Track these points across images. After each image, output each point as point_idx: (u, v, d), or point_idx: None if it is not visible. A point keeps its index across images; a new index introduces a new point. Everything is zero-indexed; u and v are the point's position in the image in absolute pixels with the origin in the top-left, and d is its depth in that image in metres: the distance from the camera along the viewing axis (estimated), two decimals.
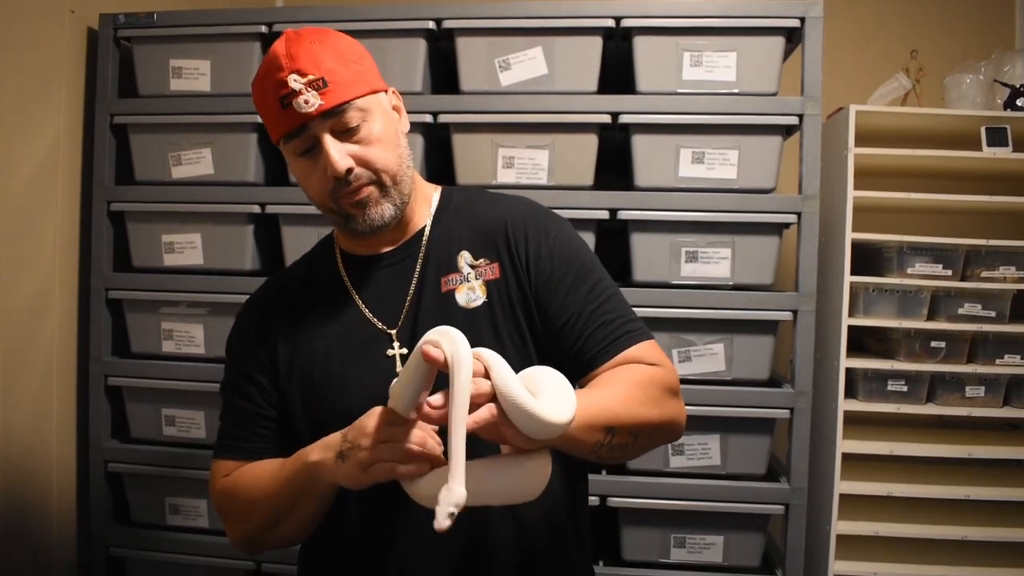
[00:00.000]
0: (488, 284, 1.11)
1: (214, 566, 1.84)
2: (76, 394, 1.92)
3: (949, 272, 2.09)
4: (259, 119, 1.77)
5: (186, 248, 1.85)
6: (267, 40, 1.83)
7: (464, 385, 0.85)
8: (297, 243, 1.81)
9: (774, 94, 1.74)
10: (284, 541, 1.11)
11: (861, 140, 2.05)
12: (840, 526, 2.04)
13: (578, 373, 1.08)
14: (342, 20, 1.79)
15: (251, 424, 1.14)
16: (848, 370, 2.05)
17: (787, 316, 1.72)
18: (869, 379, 2.09)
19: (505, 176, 1.76)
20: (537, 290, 1.10)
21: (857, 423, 2.14)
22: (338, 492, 1.03)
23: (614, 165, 1.86)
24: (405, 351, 1.09)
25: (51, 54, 1.83)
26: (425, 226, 1.16)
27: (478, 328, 1.08)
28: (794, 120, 1.72)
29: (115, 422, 1.91)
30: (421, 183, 1.20)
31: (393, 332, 1.11)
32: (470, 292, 1.11)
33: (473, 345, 0.89)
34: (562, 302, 1.09)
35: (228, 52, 1.84)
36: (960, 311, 2.09)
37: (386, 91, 1.13)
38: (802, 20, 1.72)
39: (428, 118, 1.75)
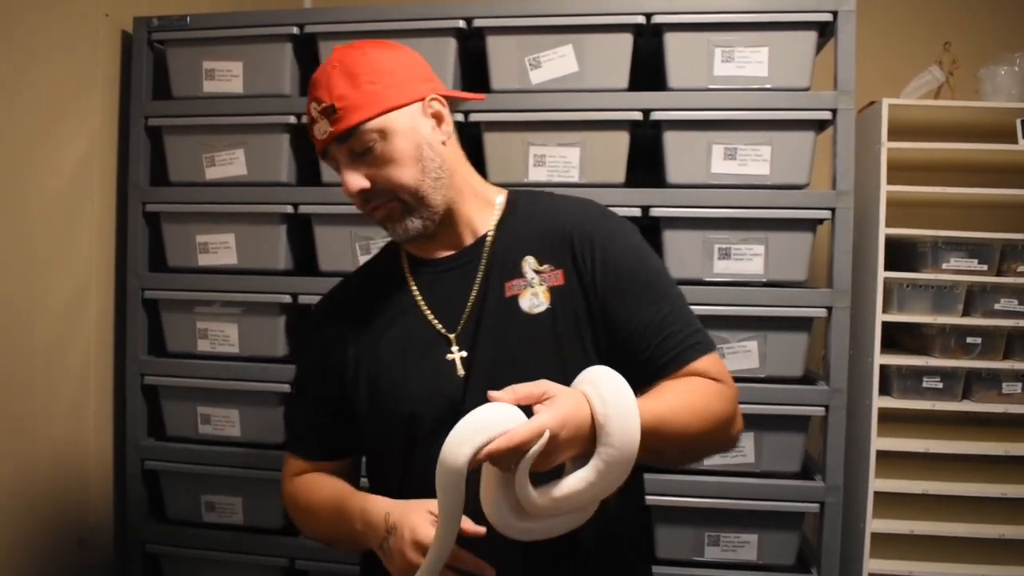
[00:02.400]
0: (552, 290, 1.10)
1: (249, 563, 1.85)
2: (113, 393, 1.94)
3: (984, 267, 2.06)
4: (291, 120, 1.82)
5: (220, 248, 1.87)
6: (298, 41, 1.84)
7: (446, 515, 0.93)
8: (330, 243, 1.82)
9: (807, 89, 1.72)
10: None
11: (894, 134, 2.03)
12: (875, 524, 2.02)
13: (642, 382, 1.04)
14: (372, 20, 1.80)
15: (320, 425, 1.20)
16: (882, 367, 2.04)
17: (821, 313, 1.71)
18: (904, 376, 2.07)
19: (536, 174, 1.76)
20: (603, 298, 1.09)
21: (891, 420, 2.12)
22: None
23: (645, 162, 1.85)
24: (464, 354, 1.10)
25: (86, 57, 1.85)
26: (488, 231, 1.14)
27: (539, 335, 1.08)
28: (827, 115, 1.71)
29: (151, 420, 1.94)
30: (481, 186, 1.18)
31: (453, 336, 1.11)
32: (533, 298, 1.09)
33: (534, 352, 1.07)
34: (629, 312, 1.08)
35: (260, 53, 1.86)
36: (996, 306, 2.06)
37: (418, 100, 1.09)
38: (834, 14, 1.70)
39: (459, 116, 1.75)
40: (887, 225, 2.01)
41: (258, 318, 1.85)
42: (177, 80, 1.91)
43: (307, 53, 1.87)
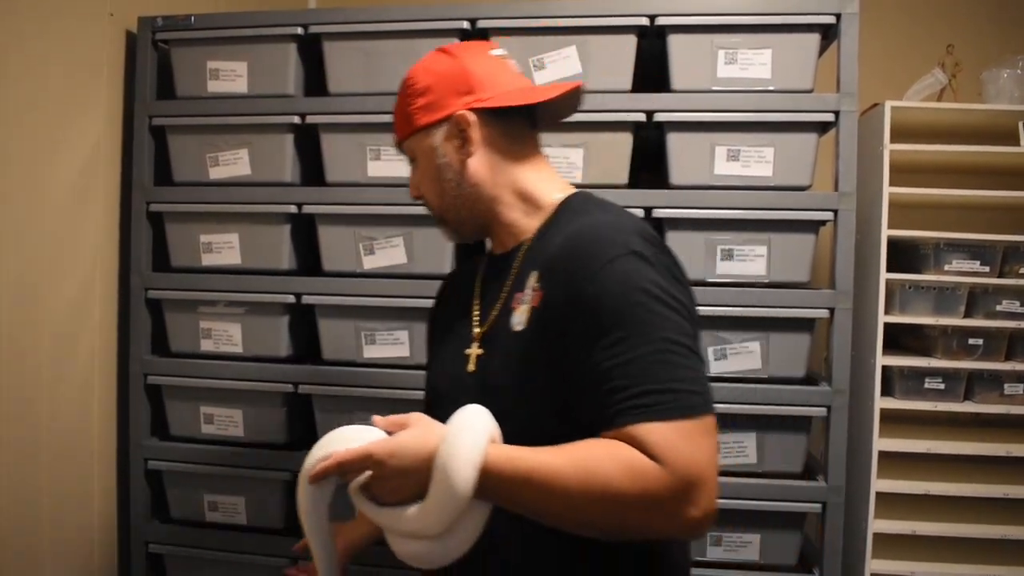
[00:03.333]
0: (532, 311, 1.04)
1: (252, 563, 1.86)
2: (116, 392, 1.95)
3: (987, 269, 2.07)
4: (295, 120, 1.82)
5: (224, 248, 1.87)
6: (302, 41, 1.85)
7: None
8: (333, 243, 1.83)
9: (810, 91, 1.73)
10: None
11: (897, 136, 2.03)
12: (877, 525, 2.03)
13: (594, 432, 0.94)
14: (376, 21, 1.80)
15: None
16: (884, 368, 2.04)
17: (824, 314, 1.71)
18: (906, 377, 2.08)
19: None
20: (561, 331, 0.99)
21: (894, 421, 2.12)
22: None
23: (649, 163, 1.86)
24: (481, 352, 1.11)
25: (91, 57, 1.86)
26: (527, 238, 1.12)
27: (514, 353, 1.05)
28: (830, 117, 1.71)
29: (155, 420, 1.94)
30: (533, 188, 1.13)
31: (478, 332, 1.13)
32: (520, 315, 1.06)
33: (508, 369, 1.04)
34: (575, 351, 0.96)
35: (264, 53, 1.86)
36: (998, 308, 2.07)
37: (445, 119, 1.11)
38: (838, 16, 1.70)
39: None
40: (889, 227, 2.02)
41: (262, 318, 1.85)
42: (181, 80, 1.91)
43: (311, 53, 1.88)
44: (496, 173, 1.12)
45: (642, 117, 1.73)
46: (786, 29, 1.71)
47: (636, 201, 1.72)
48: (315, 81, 1.89)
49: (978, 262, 2.07)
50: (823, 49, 1.78)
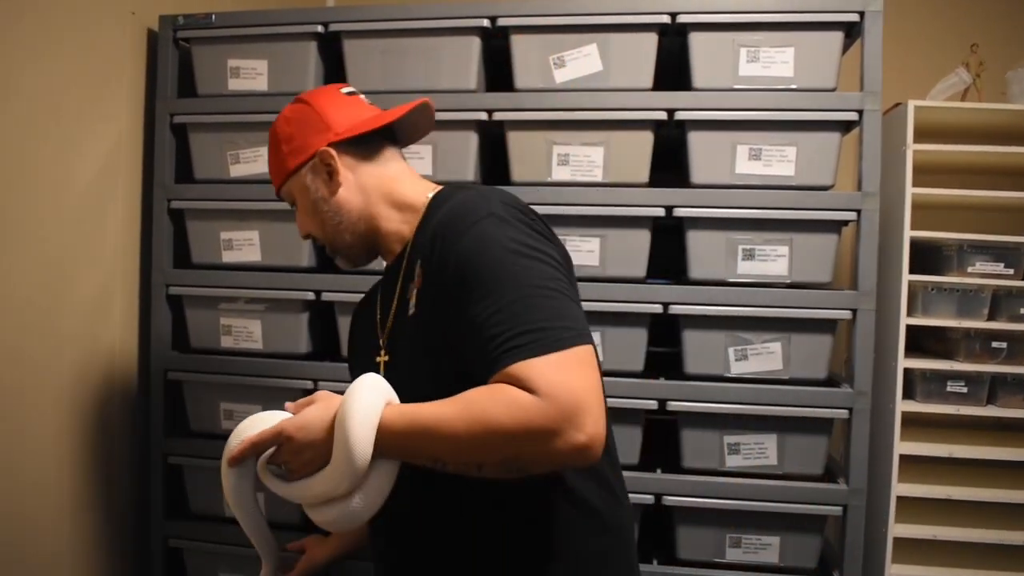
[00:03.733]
0: (418, 293, 1.12)
1: None
2: (137, 389, 1.96)
3: (1010, 271, 2.04)
4: None
5: (244, 245, 1.88)
6: (322, 39, 1.85)
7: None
8: None
9: (833, 90, 1.71)
10: None
11: (920, 136, 2.01)
12: (897, 529, 2.01)
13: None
14: (395, 19, 1.80)
15: None
16: (906, 370, 2.02)
17: (846, 315, 1.70)
18: (928, 380, 2.06)
19: (560, 173, 1.75)
20: (442, 300, 1.06)
21: (915, 424, 2.10)
22: None
23: (669, 162, 1.85)
24: (387, 359, 1.19)
25: (113, 55, 1.87)
26: (409, 239, 1.21)
27: (413, 337, 1.13)
28: (853, 116, 1.69)
29: (175, 416, 1.95)
30: (405, 195, 1.23)
31: (382, 341, 1.21)
32: (412, 300, 1.13)
33: (412, 355, 1.12)
34: (459, 312, 1.01)
35: (285, 52, 1.87)
36: (1022, 311, 2.04)
37: (309, 159, 1.23)
38: (861, 14, 1.69)
39: (483, 116, 1.76)
40: (912, 228, 1.99)
41: (282, 315, 1.86)
42: (202, 78, 1.92)
43: (331, 51, 1.88)
44: (367, 194, 1.23)
45: (663, 115, 1.72)
46: (809, 27, 1.69)
47: (657, 200, 1.72)
48: (335, 79, 1.89)
49: (1002, 264, 2.04)
50: (846, 47, 1.76)
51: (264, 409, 1.16)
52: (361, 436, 0.98)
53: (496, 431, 0.93)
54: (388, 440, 1.00)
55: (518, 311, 0.96)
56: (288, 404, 1.10)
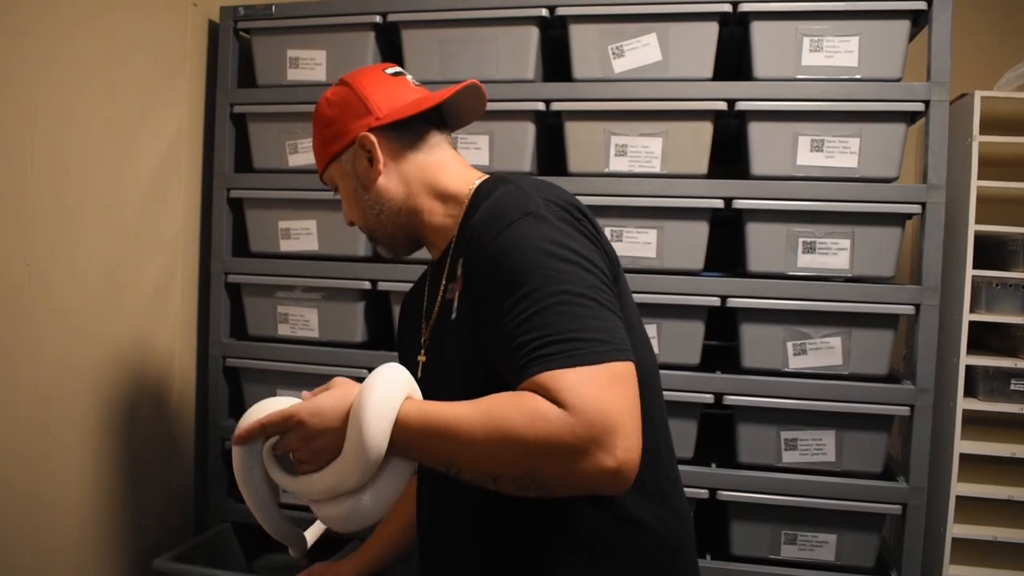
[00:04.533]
0: (459, 296, 1.05)
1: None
2: (196, 374, 2.00)
3: None
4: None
5: (302, 234, 1.90)
6: (380, 30, 1.86)
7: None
8: None
9: (898, 80, 1.68)
10: None
11: (986, 128, 1.95)
12: (956, 529, 1.96)
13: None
14: (453, 8, 1.80)
15: None
16: (968, 368, 1.97)
17: (909, 310, 1.66)
18: (990, 378, 2.00)
19: (617, 164, 1.74)
20: (477, 308, 1.00)
21: (976, 423, 2.05)
22: None
23: (729, 153, 1.82)
24: (424, 359, 1.15)
25: (174, 47, 1.90)
26: (453, 234, 1.13)
27: (453, 341, 1.07)
28: (919, 107, 1.66)
29: (232, 403, 1.98)
30: (450, 186, 1.15)
31: (423, 340, 1.16)
32: (455, 303, 1.07)
33: (448, 359, 1.07)
34: (491, 316, 0.96)
35: (343, 42, 1.88)
36: None
37: (350, 144, 1.15)
38: (929, 2, 1.65)
39: (540, 106, 1.75)
40: (976, 222, 1.94)
41: (338, 304, 1.88)
42: (262, 68, 1.94)
43: (389, 41, 1.89)
44: (409, 184, 1.15)
45: (723, 106, 1.69)
46: (875, 15, 1.66)
47: (716, 192, 1.70)
48: None
49: None
50: (912, 36, 1.72)
51: None
52: (376, 428, 0.91)
53: (515, 441, 0.85)
54: (403, 436, 0.92)
55: (550, 319, 0.89)
56: (306, 393, 1.01)
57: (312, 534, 1.27)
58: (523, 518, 1.01)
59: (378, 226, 1.18)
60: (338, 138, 1.17)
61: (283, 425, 0.98)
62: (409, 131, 1.16)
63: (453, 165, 1.17)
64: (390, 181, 1.15)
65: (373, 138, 1.13)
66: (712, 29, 1.71)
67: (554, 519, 1.01)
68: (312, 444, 0.96)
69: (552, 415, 0.84)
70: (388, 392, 0.93)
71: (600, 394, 0.84)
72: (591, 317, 0.90)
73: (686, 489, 1.67)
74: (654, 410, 1.06)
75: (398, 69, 1.20)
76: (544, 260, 0.93)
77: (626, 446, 0.83)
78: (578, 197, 1.70)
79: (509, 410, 0.86)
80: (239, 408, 1.98)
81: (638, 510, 1.02)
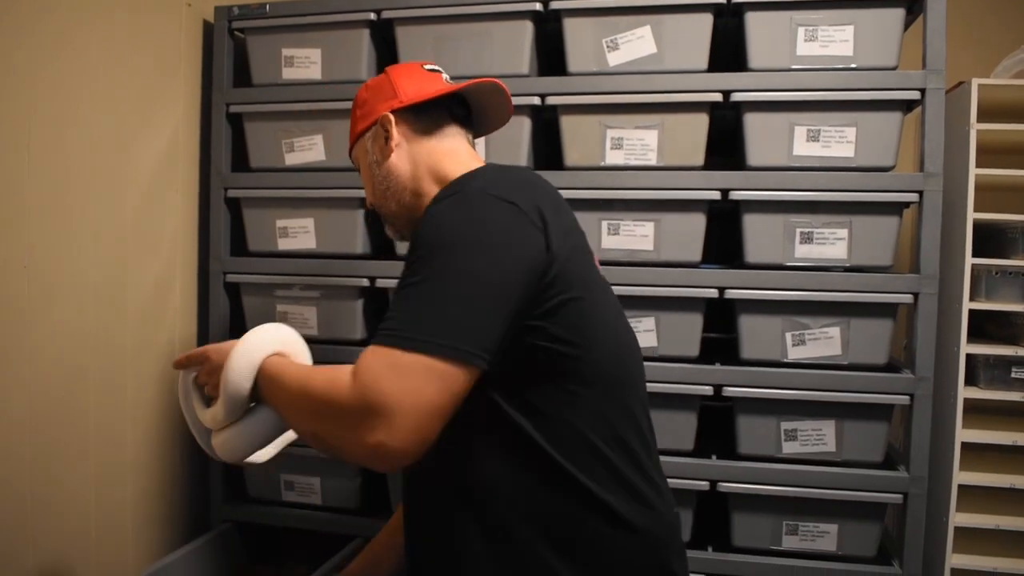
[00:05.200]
0: None
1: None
2: None
3: None
4: None
5: (299, 233, 1.90)
6: (375, 27, 1.86)
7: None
8: None
9: (894, 68, 1.67)
10: None
11: (984, 115, 1.95)
12: (958, 518, 1.96)
13: None
14: (447, 5, 1.80)
15: None
16: (969, 356, 1.97)
17: (907, 299, 1.66)
18: (991, 366, 2.00)
19: (613, 157, 1.74)
20: None
21: (977, 412, 2.05)
22: None
23: (725, 144, 1.82)
24: None
25: (169, 47, 1.90)
26: None
27: None
28: (915, 95, 1.65)
29: None
30: (452, 169, 1.16)
31: None
32: None
33: None
34: None
35: (338, 40, 1.88)
36: None
37: (373, 124, 1.24)
38: None
39: (535, 100, 1.75)
40: (975, 210, 1.94)
41: (337, 302, 1.88)
42: (257, 67, 1.94)
43: (384, 38, 1.89)
44: (416, 165, 1.21)
45: (718, 97, 1.69)
46: (869, 3, 1.66)
47: (713, 183, 1.69)
48: (388, 66, 1.90)
49: None
50: (908, 24, 1.72)
51: None
52: (236, 367, 1.05)
53: (309, 399, 0.96)
54: (261, 383, 1.06)
55: (404, 299, 0.93)
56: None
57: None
58: (483, 503, 1.05)
59: (384, 202, 1.24)
60: (366, 117, 1.26)
61: (198, 359, 1.16)
62: (428, 118, 1.23)
63: (461, 154, 1.22)
64: (400, 159, 1.21)
65: (392, 117, 1.21)
66: (706, 20, 1.71)
67: (515, 502, 1.03)
68: (212, 378, 1.13)
69: (342, 383, 0.91)
70: (257, 342, 1.08)
71: (388, 376, 0.88)
72: (431, 304, 0.91)
73: (687, 481, 1.70)
74: (628, 401, 1.08)
75: (436, 67, 1.28)
76: (442, 239, 0.95)
77: (395, 431, 0.87)
78: (574, 191, 1.72)
79: (324, 372, 0.96)
80: None
81: (602, 498, 1.03)
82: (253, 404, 1.11)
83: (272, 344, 1.09)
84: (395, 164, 1.21)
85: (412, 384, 0.88)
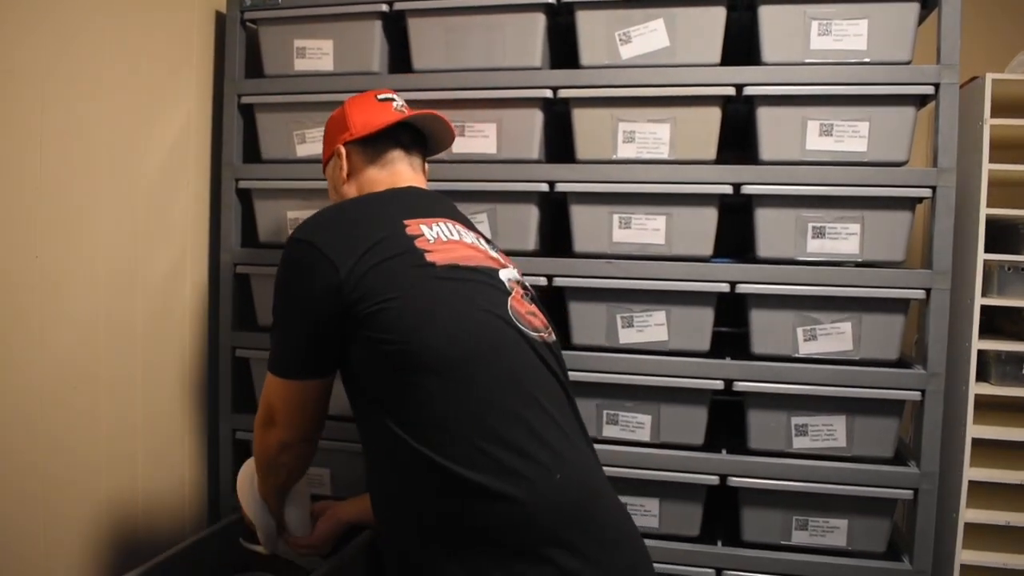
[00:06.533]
0: None
1: None
2: (207, 364, 2.01)
3: None
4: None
5: None
6: (387, 18, 1.86)
7: None
8: None
9: (908, 62, 1.66)
10: None
11: (997, 110, 1.94)
12: (969, 514, 1.96)
13: None
14: None
15: None
16: (980, 352, 1.96)
17: (920, 295, 1.65)
18: (1003, 362, 2.00)
19: (625, 151, 1.74)
20: None
21: (988, 408, 2.04)
22: None
23: (738, 138, 1.81)
24: None
25: (182, 38, 1.90)
26: None
27: None
28: (929, 90, 1.64)
29: (241, 391, 1.99)
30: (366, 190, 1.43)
31: None
32: None
33: None
34: None
35: (350, 31, 1.88)
36: None
37: (332, 153, 1.45)
38: None
39: (548, 93, 1.75)
40: (988, 205, 1.93)
41: None
42: (269, 59, 1.94)
43: (396, 30, 1.89)
44: (360, 191, 1.40)
45: (731, 91, 1.68)
46: None
47: (725, 177, 1.69)
48: (400, 58, 1.90)
49: None
50: (922, 19, 1.71)
51: None
52: (243, 497, 1.49)
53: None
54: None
55: (271, 333, 1.27)
56: None
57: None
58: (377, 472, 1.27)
59: None
60: (328, 147, 1.48)
61: None
62: (372, 147, 1.42)
63: (390, 180, 1.40)
64: (350, 188, 1.42)
65: (343, 149, 1.42)
66: (720, 14, 1.70)
67: (393, 496, 1.22)
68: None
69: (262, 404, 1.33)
70: (244, 474, 1.49)
71: (268, 392, 1.28)
72: (278, 341, 1.26)
73: (697, 475, 1.70)
74: (482, 378, 1.15)
75: (390, 96, 1.47)
76: (275, 286, 1.26)
77: (278, 431, 1.29)
78: (586, 184, 1.72)
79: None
80: (249, 398, 1.99)
81: (459, 473, 1.11)
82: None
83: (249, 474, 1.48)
84: (346, 191, 1.42)
85: (275, 396, 1.28)
